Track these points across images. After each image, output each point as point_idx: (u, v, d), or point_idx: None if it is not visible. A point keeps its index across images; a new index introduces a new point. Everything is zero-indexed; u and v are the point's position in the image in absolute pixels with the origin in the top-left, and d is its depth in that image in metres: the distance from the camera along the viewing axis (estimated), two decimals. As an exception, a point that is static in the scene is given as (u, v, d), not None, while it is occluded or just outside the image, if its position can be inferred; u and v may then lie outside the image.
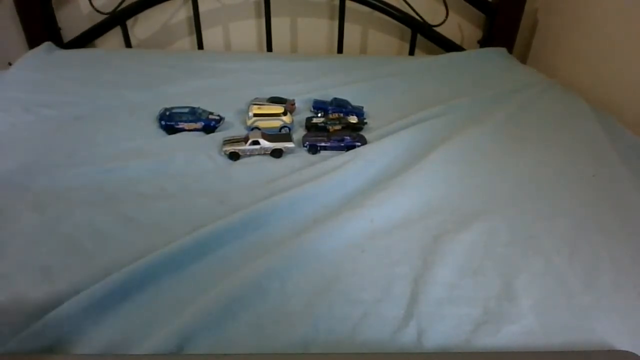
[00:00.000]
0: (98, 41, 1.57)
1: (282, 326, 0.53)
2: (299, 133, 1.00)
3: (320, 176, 0.80)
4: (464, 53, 1.53)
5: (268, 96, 1.10)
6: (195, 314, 0.52)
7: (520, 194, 0.80)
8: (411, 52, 1.62)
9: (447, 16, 1.53)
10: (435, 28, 1.56)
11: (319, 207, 0.74)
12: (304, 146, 0.93)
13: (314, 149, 0.92)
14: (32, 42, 1.45)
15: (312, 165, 0.86)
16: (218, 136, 0.96)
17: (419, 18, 1.55)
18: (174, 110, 1.00)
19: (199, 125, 0.98)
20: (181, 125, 0.98)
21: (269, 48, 1.58)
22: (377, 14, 1.56)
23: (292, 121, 1.03)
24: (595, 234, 0.70)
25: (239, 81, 1.25)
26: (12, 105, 1.03)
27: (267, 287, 0.58)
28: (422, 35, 1.58)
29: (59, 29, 1.52)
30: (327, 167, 0.85)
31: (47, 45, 1.40)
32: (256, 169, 0.85)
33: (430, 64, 1.43)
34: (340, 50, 1.61)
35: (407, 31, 1.60)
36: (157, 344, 0.49)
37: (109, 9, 1.48)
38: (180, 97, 1.12)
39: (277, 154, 0.90)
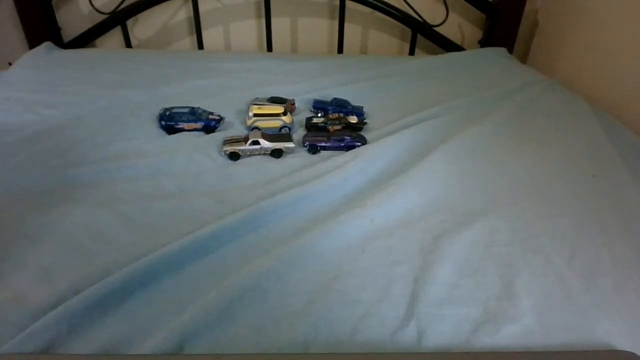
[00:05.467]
0: (98, 41, 1.57)
1: (282, 326, 0.53)
2: (299, 133, 1.00)
3: (320, 176, 0.80)
4: (464, 53, 1.53)
5: (268, 96, 1.10)
6: (195, 314, 0.52)
7: (521, 194, 0.80)
8: (411, 52, 1.62)
9: (447, 16, 1.53)
10: (435, 28, 1.56)
11: (319, 207, 0.74)
12: (304, 146, 0.93)
13: (314, 149, 0.92)
14: (32, 42, 1.45)
15: (312, 165, 0.86)
16: (218, 136, 0.96)
17: (419, 18, 1.55)
18: (174, 110, 1.00)
19: (199, 125, 0.98)
20: (181, 125, 0.98)
21: (269, 48, 1.58)
22: (377, 14, 1.56)
23: (292, 121, 1.03)
24: (595, 234, 0.70)
25: (238, 81, 1.25)
26: (12, 105, 1.03)
27: (267, 287, 0.58)
28: (422, 35, 1.58)
29: (59, 29, 1.52)
30: (327, 167, 0.85)
31: (47, 45, 1.40)
32: (256, 169, 0.85)
33: (431, 64, 1.43)
34: (340, 50, 1.61)
35: (407, 31, 1.60)
36: (157, 344, 0.49)
37: (109, 9, 1.48)
38: (180, 97, 1.12)
39: (277, 154, 0.90)
